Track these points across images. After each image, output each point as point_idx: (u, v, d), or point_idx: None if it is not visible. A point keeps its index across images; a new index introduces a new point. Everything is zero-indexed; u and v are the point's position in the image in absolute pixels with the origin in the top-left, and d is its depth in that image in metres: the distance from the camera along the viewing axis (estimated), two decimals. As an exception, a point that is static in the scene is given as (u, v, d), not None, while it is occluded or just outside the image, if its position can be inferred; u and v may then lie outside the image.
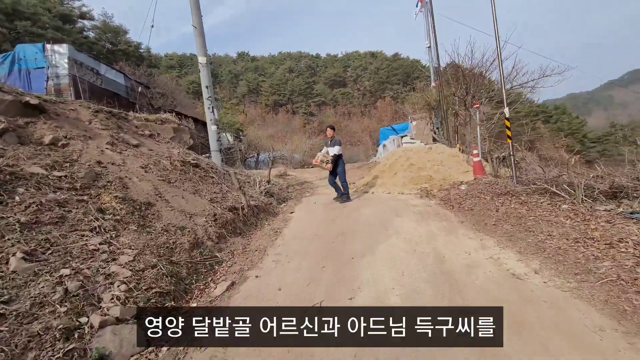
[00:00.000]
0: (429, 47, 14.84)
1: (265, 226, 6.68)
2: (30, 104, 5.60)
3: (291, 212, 7.73)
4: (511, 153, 6.42)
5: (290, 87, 62.24)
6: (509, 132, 6.50)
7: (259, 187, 8.91)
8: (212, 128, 9.25)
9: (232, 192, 7.53)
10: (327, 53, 78.46)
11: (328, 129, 8.38)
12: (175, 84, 57.21)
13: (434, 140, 15.53)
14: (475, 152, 7.90)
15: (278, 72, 66.86)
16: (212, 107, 9.30)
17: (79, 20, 44.81)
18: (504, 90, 6.57)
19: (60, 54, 13.93)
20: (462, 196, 6.54)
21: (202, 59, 9.23)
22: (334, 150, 7.99)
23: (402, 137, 15.91)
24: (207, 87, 9.29)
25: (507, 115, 6.53)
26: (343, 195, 8.00)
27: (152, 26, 9.47)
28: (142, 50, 50.87)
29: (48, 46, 14.03)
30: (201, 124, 23.27)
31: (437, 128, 14.67)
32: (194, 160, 8.03)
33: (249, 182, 9.43)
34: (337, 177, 8.08)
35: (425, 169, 8.63)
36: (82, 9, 45.08)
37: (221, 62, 76.32)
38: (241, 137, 26.71)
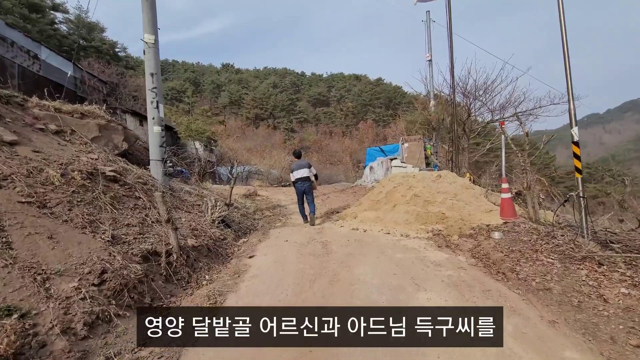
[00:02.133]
0: (430, 60, 13.07)
1: (201, 286, 4.10)
2: None
3: (250, 257, 5.19)
4: (581, 194, 4.25)
5: (273, 102, 60.10)
6: (578, 163, 4.39)
7: (212, 214, 6.33)
8: (154, 129, 6.68)
9: (163, 223, 4.93)
10: (312, 72, 77.48)
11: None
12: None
13: (427, 165, 13.52)
14: (505, 185, 5.75)
15: (262, 87, 64.74)
16: (157, 101, 6.75)
17: (50, 11, 41.20)
18: (572, 103, 4.45)
19: (-16, 28, 11.00)
20: (505, 253, 4.26)
21: (149, 38, 6.76)
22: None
23: (391, 159, 13.82)
24: (152, 74, 6.77)
25: (576, 139, 4.44)
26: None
27: None
28: (118, 50, 47.53)
29: (-31, 17, 11.06)
30: (168, 129, 20.41)
31: (436, 152, 12.67)
32: (112, 172, 5.39)
33: (199, 205, 6.82)
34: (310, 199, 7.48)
35: (435, 204, 6.37)
36: (54, 0, 41.60)
37: (204, 71, 73.56)
38: (212, 147, 23.92)
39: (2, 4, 31.60)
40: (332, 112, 63.06)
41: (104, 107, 7.27)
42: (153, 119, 6.78)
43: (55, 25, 41.17)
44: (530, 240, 4.49)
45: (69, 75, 14.55)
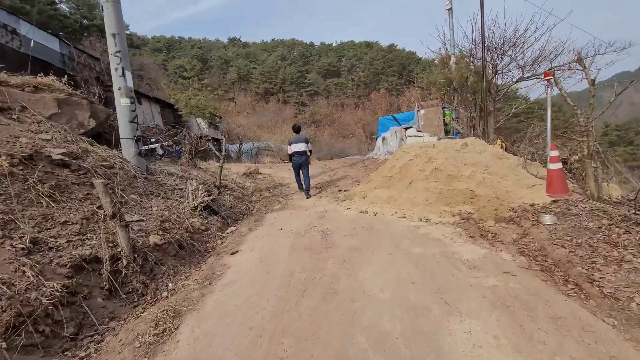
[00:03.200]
0: (449, 8, 11.21)
1: (159, 299, 3.11)
2: None
3: (233, 253, 4.16)
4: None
5: (282, 75, 57.90)
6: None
7: (194, 200, 5.28)
8: (122, 102, 5.57)
9: (108, 219, 3.93)
10: (321, 42, 73.99)
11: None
12: (160, 67, 52.54)
13: (446, 133, 12.03)
14: (554, 153, 4.41)
15: (270, 60, 62.30)
16: (122, 68, 5.59)
17: (51, -9, 39.82)
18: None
19: (-49, 0, 9.90)
20: (569, 247, 3.04)
21: (107, -10, 5.52)
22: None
23: (405, 128, 12.36)
24: (114, 35, 5.57)
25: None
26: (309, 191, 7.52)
27: None
28: (120, 28, 45.72)
29: None
30: (169, 107, 19.30)
31: (457, 118, 11.13)
32: (62, 155, 4.36)
33: (182, 189, 5.79)
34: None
35: (462, 179, 5.10)
36: (55, -21, 40.09)
37: (211, 47, 71.33)
38: (217, 124, 22.81)
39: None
40: (343, 83, 60.43)
41: (63, 80, 6.13)
42: (119, 89, 5.65)
43: (56, 5, 39.97)
44: (600, 228, 3.23)
45: (59, 52, 13.49)
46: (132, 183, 5.10)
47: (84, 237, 3.31)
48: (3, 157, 3.66)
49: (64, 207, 3.62)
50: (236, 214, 6.26)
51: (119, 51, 5.66)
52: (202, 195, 5.48)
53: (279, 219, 5.66)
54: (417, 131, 12.06)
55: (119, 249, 3.26)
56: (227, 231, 5.23)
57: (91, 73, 14.76)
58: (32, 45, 11.44)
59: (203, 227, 4.89)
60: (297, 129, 7.83)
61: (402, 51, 63.79)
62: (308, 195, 7.35)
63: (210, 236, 4.83)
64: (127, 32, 49.62)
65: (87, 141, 5.50)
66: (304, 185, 7.52)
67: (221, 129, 21.68)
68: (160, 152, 8.95)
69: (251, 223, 5.61)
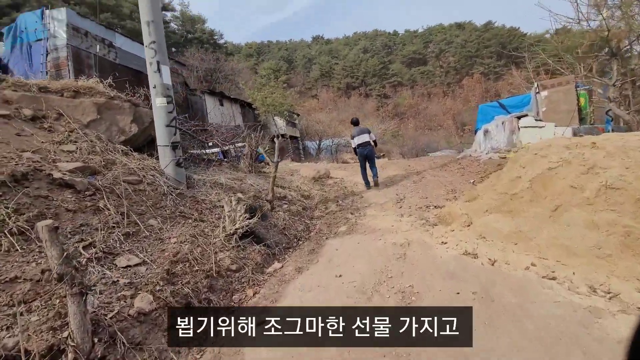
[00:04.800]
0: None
1: None
2: None
3: (259, 324, 2.64)
4: None
5: (364, 68, 55.61)
6: None
7: (231, 224, 3.98)
8: (157, 102, 4.61)
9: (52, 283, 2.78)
10: (405, 29, 68.90)
11: None
12: (251, 71, 55.57)
13: (581, 121, 8.64)
14: None
15: (352, 54, 60.51)
16: (158, 62, 4.61)
17: (163, 12, 45.11)
18: None
19: (58, 20, 10.75)
20: None
21: (139, -29, 4.59)
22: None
23: (518, 117, 9.35)
24: (148, 23, 4.62)
25: None
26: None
27: None
28: (216, 37, 49.94)
29: (47, 12, 10.98)
30: (249, 106, 19.20)
31: (608, 99, 7.77)
32: (70, 171, 3.46)
33: (222, 207, 4.56)
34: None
35: (673, 208, 2.66)
36: (164, 1, 45.33)
37: (296, 47, 72.94)
38: (295, 121, 22.13)
39: (122, 10, 35.35)
40: (430, 70, 55.14)
41: (103, 82, 5.47)
42: (154, 87, 4.68)
43: (167, 24, 45.09)
44: None
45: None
46: (158, 202, 4.03)
47: (29, 305, 2.17)
48: (-22, 181, 2.81)
49: (31, 249, 2.59)
50: (290, 238, 4.80)
51: (154, 42, 4.67)
52: (242, 217, 4.13)
53: (341, 253, 3.99)
54: (536, 120, 8.96)
55: (65, 334, 2.03)
56: (269, 269, 3.78)
57: (177, 78, 15.28)
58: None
59: (234, 267, 3.52)
60: (355, 122, 7.67)
61: (501, 28, 54.97)
62: (374, 184, 7.27)
63: (242, 280, 3.43)
64: (222, 40, 53.68)
65: (122, 150, 4.67)
66: (372, 174, 7.27)
67: (299, 126, 20.94)
68: (221, 156, 8.11)
69: (303, 256, 4.06)
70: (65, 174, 3.40)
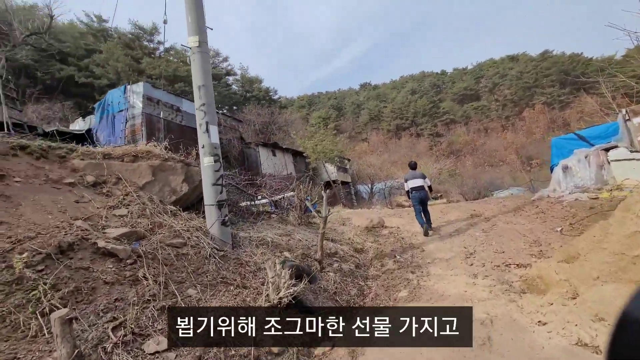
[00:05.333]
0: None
1: None
2: None
3: None
4: None
5: (413, 108, 55.32)
6: None
7: (275, 292, 3.52)
8: (205, 162, 4.59)
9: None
10: (453, 68, 68.23)
11: None
12: (303, 120, 58.63)
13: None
14: None
15: (399, 96, 61.01)
16: (207, 122, 4.67)
17: (225, 76, 50.82)
18: None
19: (136, 93, 12.30)
20: None
21: (193, 40, 4.86)
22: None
23: (606, 149, 7.92)
24: (199, 87, 4.79)
25: None
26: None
27: (165, 22, 5.63)
28: (270, 94, 54.21)
29: (129, 87, 12.66)
30: (300, 155, 19.58)
31: None
32: (116, 238, 3.39)
33: (261, 272, 4.16)
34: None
35: None
36: (227, 67, 51.06)
37: (345, 95, 75.98)
38: (346, 167, 21.95)
39: (191, 77, 40.29)
40: (485, 105, 52.83)
41: (161, 146, 5.70)
42: (203, 147, 4.69)
43: (229, 86, 50.36)
44: None
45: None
46: (200, 267, 3.76)
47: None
48: (25, 254, 2.78)
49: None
50: (342, 304, 4.17)
51: (204, 104, 4.78)
52: (287, 284, 3.66)
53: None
54: (631, 151, 7.49)
55: None
56: (317, 352, 3.17)
57: (234, 134, 16.31)
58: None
59: (276, 349, 2.99)
60: (412, 166, 7.53)
61: (561, 56, 51.57)
62: (427, 233, 6.83)
63: (284, 368, 2.87)
64: (276, 96, 58.01)
65: (171, 211, 4.64)
66: (424, 220, 6.95)
67: (350, 171, 20.68)
68: (272, 207, 7.94)
69: (357, 335, 3.38)
70: (109, 241, 3.32)
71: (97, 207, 4.05)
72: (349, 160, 22.42)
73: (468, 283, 4.26)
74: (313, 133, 17.83)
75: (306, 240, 5.88)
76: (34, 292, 2.55)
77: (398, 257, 5.94)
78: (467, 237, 6.42)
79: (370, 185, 23.86)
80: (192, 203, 5.53)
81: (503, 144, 40.97)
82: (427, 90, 60.70)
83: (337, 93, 78.18)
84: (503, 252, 5.26)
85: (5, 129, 7.92)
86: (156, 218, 4.22)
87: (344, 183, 19.88)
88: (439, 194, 27.71)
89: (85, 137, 12.29)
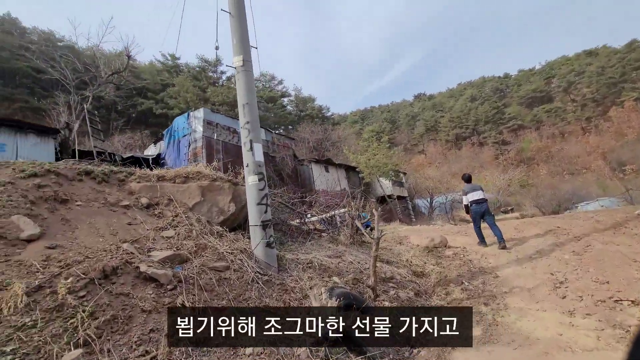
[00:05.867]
0: None
1: None
2: None
3: None
4: None
5: (473, 116, 51.68)
6: None
7: (322, 325, 3.08)
8: (249, 181, 4.42)
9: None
10: (518, 70, 62.59)
11: None
12: (356, 136, 58.54)
13: None
14: None
15: (458, 104, 57.61)
16: (251, 140, 4.53)
17: (281, 98, 53.27)
18: None
19: (197, 118, 13.18)
20: None
21: (237, 60, 4.85)
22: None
23: None
24: (244, 105, 4.70)
25: None
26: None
27: (217, 48, 5.87)
28: (323, 111, 55.20)
29: (191, 113, 13.62)
30: (353, 170, 19.11)
31: None
32: (159, 262, 3.31)
33: (307, 299, 3.75)
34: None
35: None
36: (282, 90, 53.59)
37: (398, 108, 74.30)
38: (402, 180, 20.82)
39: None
40: (559, 107, 47.18)
41: (208, 166, 5.73)
42: (247, 165, 4.55)
43: (284, 108, 52.59)
44: None
45: (264, 139, 15.88)
46: (241, 294, 3.50)
47: None
48: (70, 279, 2.76)
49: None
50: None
51: (248, 122, 4.67)
52: (332, 313, 3.19)
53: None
54: None
55: None
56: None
57: (287, 152, 16.56)
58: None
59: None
60: (468, 178, 7.19)
61: (655, 44, 44.13)
62: (503, 245, 6.17)
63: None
64: (329, 113, 58.77)
65: (217, 232, 4.53)
66: (495, 235, 6.33)
67: (406, 185, 19.58)
68: (325, 225, 7.57)
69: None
70: (151, 265, 3.22)
71: (147, 229, 4.07)
72: (404, 173, 21.33)
73: (563, 323, 3.35)
74: (366, 147, 17.30)
75: (358, 262, 5.36)
76: (72, 320, 2.47)
77: (466, 283, 5.09)
78: (553, 260, 5.31)
79: (429, 199, 22.34)
80: (240, 223, 5.41)
81: (585, 148, 35.81)
82: (488, 96, 56.44)
83: (390, 106, 76.86)
84: (607, 282, 4.15)
85: (94, 155, 8.90)
86: (201, 240, 4.11)
87: (400, 198, 18.84)
88: (509, 208, 24.77)
89: (156, 161, 13.42)
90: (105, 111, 30.42)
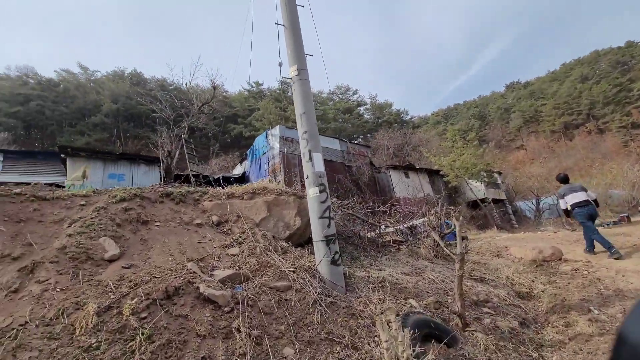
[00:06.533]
0: None
1: None
2: None
3: None
4: None
5: (587, 99, 42.91)
6: None
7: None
8: (310, 193, 4.11)
9: None
10: (648, 35, 49.88)
11: None
12: (440, 137, 54.87)
13: None
14: None
15: (564, 88, 48.68)
16: (310, 151, 4.24)
17: (357, 107, 53.33)
18: None
19: (274, 135, 13.78)
20: None
21: (293, 70, 4.66)
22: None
23: None
24: (301, 115, 4.46)
25: None
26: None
27: (280, 64, 6.02)
28: (402, 115, 53.05)
29: (269, 132, 14.34)
30: (436, 174, 17.42)
31: None
32: (219, 282, 3.25)
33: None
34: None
35: None
36: (358, 99, 53.62)
37: (487, 101, 66.78)
38: (497, 181, 18.03)
39: (328, 116, 43.72)
40: None
41: (280, 180, 5.63)
42: (307, 177, 4.28)
43: (360, 116, 52.35)
44: None
45: (339, 150, 15.76)
46: (303, 318, 3.15)
47: None
48: (135, 300, 2.82)
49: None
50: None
51: (306, 132, 4.43)
52: (407, 353, 2.58)
53: None
54: None
55: None
56: None
57: (364, 160, 16.04)
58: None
59: None
60: (564, 179, 6.50)
61: None
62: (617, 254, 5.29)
63: None
64: (407, 117, 56.14)
65: (282, 248, 4.34)
66: (601, 241, 5.54)
67: (503, 186, 16.98)
68: (407, 235, 6.81)
69: None
70: (210, 286, 3.14)
71: (214, 247, 4.10)
72: (500, 173, 18.57)
73: None
74: (449, 148, 15.59)
75: (442, 280, 4.53)
76: (131, 343, 2.47)
77: (596, 311, 3.79)
78: None
79: (535, 201, 18.93)
80: (308, 238, 5.15)
81: None
82: (606, 72, 46.27)
83: (477, 101, 69.68)
84: None
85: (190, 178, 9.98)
86: (264, 257, 3.95)
87: (496, 201, 16.39)
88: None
89: (242, 179, 14.45)
90: (205, 139, 34.85)
